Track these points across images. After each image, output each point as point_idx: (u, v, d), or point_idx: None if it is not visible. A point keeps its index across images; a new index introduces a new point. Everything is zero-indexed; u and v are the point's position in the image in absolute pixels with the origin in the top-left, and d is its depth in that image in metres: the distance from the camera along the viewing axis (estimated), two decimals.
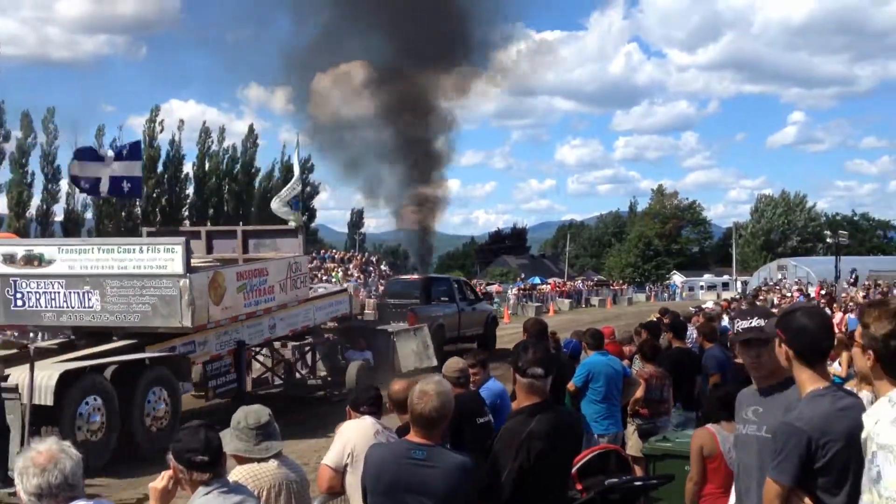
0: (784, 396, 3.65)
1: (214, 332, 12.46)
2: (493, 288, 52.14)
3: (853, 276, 45.89)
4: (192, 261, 12.13)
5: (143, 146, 61.78)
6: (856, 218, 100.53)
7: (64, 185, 53.36)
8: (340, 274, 38.01)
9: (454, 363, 6.60)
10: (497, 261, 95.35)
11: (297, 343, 15.39)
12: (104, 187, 14.36)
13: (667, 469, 6.17)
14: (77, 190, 13.04)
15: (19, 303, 11.84)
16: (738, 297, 43.30)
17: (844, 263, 55.35)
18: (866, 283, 43.93)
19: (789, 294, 41.52)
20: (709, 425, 5.36)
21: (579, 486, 5.27)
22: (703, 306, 22.28)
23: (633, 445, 8.13)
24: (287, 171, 70.79)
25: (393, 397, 5.30)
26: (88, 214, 56.63)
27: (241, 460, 4.03)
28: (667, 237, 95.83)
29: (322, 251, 43.94)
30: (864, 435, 2.76)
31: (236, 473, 3.92)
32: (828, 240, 63.86)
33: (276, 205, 17.25)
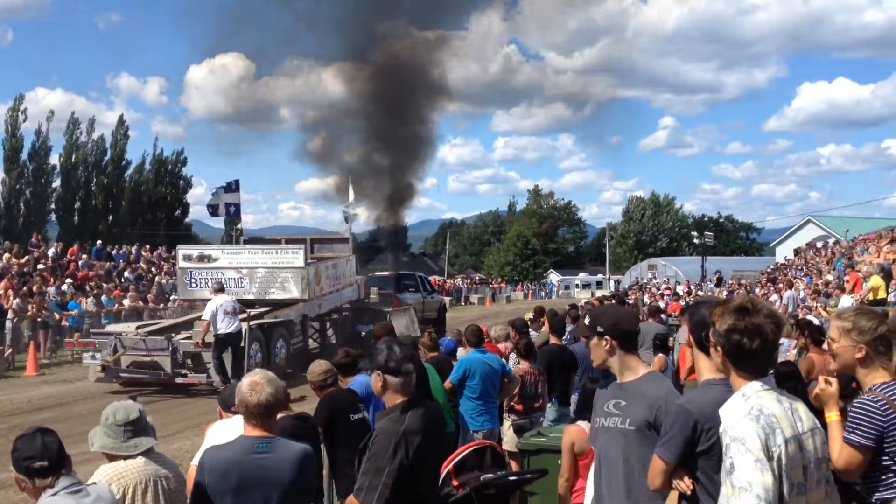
0: (642, 390, 3.77)
1: (309, 305, 19.22)
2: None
3: (716, 275, 48.05)
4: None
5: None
6: (721, 220, 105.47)
7: None
8: None
9: (317, 367, 6.52)
10: (378, 258, 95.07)
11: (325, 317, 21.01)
12: (221, 211, 23.01)
13: (541, 464, 6.22)
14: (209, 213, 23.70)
15: (192, 286, 18.85)
16: (609, 295, 44.71)
17: (710, 263, 58.00)
18: (730, 282, 46.05)
19: (658, 292, 43.06)
20: (580, 422, 5.44)
21: (455, 483, 5.24)
22: (579, 304, 22.88)
23: (509, 441, 8.20)
24: (159, 164, 68.60)
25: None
26: None
27: (111, 457, 3.88)
28: (544, 237, 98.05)
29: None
30: (721, 428, 2.85)
31: (100, 472, 3.78)
32: (694, 240, 66.68)
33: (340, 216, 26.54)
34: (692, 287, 46.36)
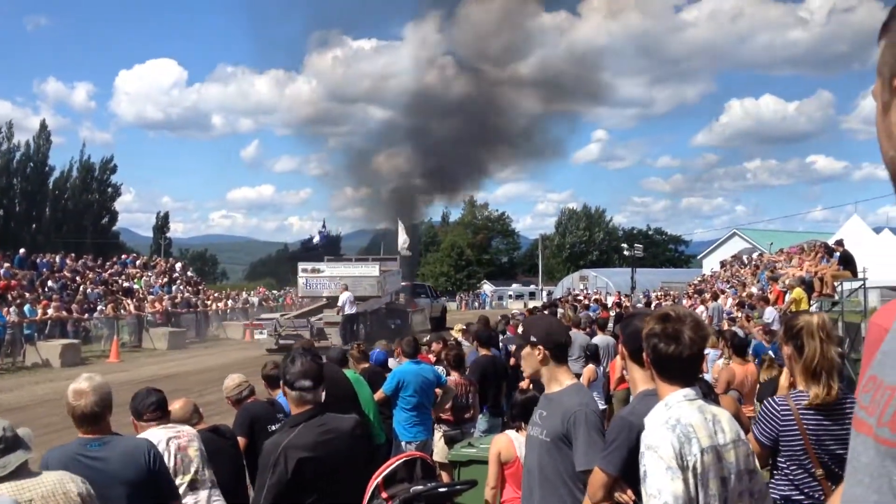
0: (562, 402, 3.83)
1: (378, 301, 29.51)
2: None
3: (644, 297, 48.99)
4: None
5: None
6: (650, 232, 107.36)
7: None
8: (143, 281, 36.18)
9: (230, 381, 6.45)
10: None
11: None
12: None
13: (472, 474, 6.24)
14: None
15: (307, 288, 29.75)
16: (540, 306, 45.15)
17: (640, 275, 59.08)
18: (659, 293, 46.88)
19: (587, 303, 43.47)
20: (508, 431, 5.49)
21: (385, 495, 5.21)
22: (511, 314, 23.00)
23: (440, 452, 8.20)
24: (86, 170, 66.94)
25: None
26: None
27: None
28: (478, 247, 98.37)
29: (123, 256, 41.59)
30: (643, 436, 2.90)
31: None
32: (625, 252, 67.73)
33: (401, 241, 37.58)
34: (622, 298, 47.04)
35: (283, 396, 7.11)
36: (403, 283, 35.77)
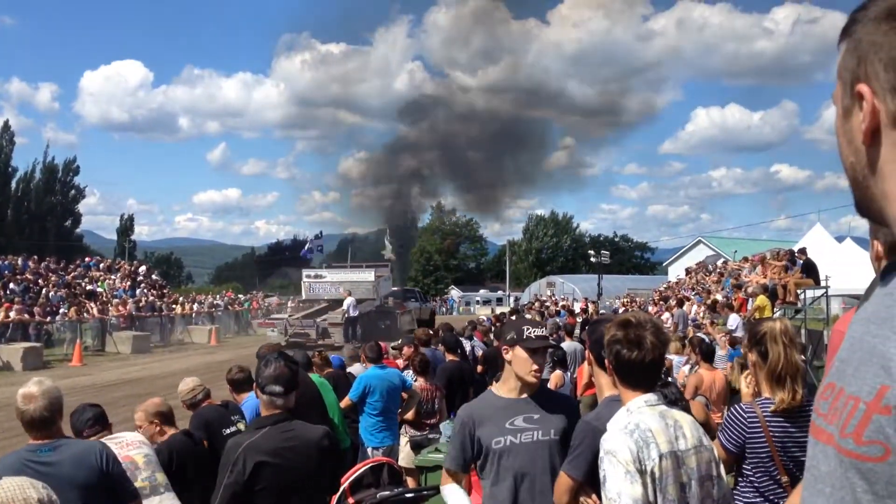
0: (558, 402, 3.88)
1: (372, 303, 32.63)
2: (273, 300, 51.12)
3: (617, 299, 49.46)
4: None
5: None
6: (617, 239, 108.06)
7: None
8: (106, 284, 35.70)
9: (184, 385, 6.39)
10: (277, 272, 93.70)
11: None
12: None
13: (438, 480, 6.23)
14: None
15: (311, 292, 33.83)
16: (507, 312, 45.49)
17: (606, 281, 59.41)
18: (625, 299, 47.18)
19: (554, 309, 43.70)
20: None
21: (351, 501, 5.21)
22: (478, 320, 23.05)
23: (406, 457, 8.19)
24: (49, 172, 65.99)
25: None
26: None
27: None
28: (445, 253, 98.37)
29: (87, 259, 41.02)
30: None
31: None
32: (591, 259, 68.12)
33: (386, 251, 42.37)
34: (589, 304, 47.37)
35: (256, 398, 7.08)
36: (394, 288, 39.34)
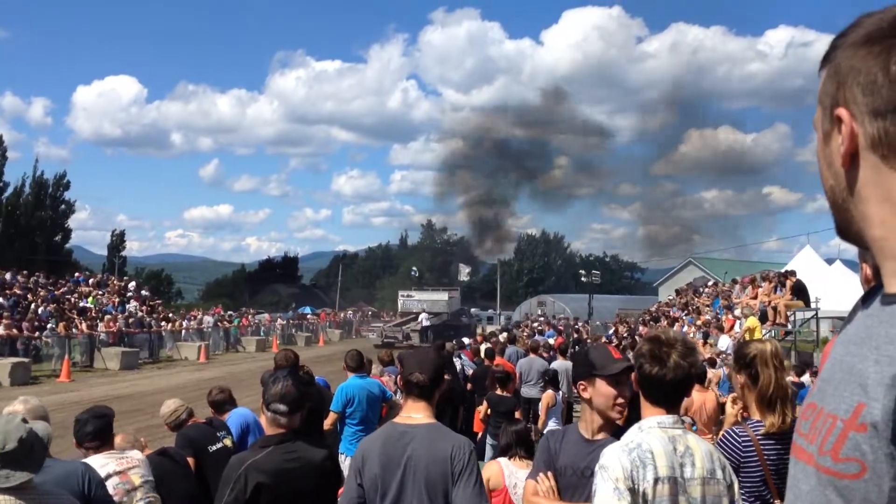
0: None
1: (445, 317, 47.38)
2: (264, 317, 50.97)
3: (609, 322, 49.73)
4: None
5: None
6: (607, 259, 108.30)
7: None
8: (95, 299, 35.52)
9: (165, 408, 6.35)
10: (267, 289, 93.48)
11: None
12: None
13: None
14: None
15: (404, 307, 49.23)
16: (497, 332, 45.89)
17: (597, 301, 59.55)
18: (615, 320, 47.21)
19: (541, 328, 43.73)
20: (500, 459, 5.42)
21: None
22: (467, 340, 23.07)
23: None
24: (39, 186, 65.75)
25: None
26: None
27: None
28: (437, 271, 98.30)
29: (76, 274, 40.84)
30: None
31: None
32: (582, 279, 68.20)
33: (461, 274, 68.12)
34: (570, 322, 48.52)
35: (239, 414, 7.05)
36: (460, 307, 51.11)
